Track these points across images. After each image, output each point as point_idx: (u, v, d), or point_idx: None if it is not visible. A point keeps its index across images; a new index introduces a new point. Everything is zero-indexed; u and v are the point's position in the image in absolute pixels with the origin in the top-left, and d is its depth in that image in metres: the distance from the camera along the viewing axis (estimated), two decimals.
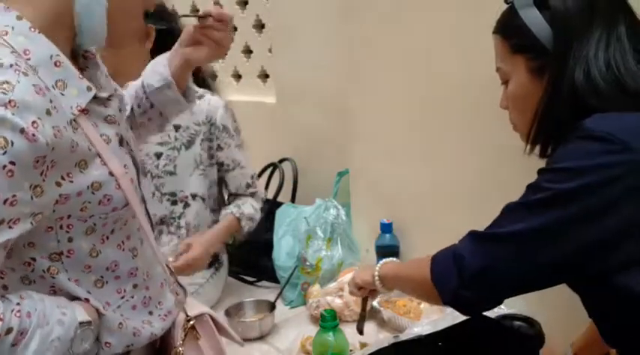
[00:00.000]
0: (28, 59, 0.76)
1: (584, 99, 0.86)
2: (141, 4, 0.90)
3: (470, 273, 0.88)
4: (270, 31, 2.31)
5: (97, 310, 0.86)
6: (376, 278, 1.19)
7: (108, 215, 0.84)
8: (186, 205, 1.66)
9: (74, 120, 0.79)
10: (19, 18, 0.77)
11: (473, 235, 0.92)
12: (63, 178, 0.77)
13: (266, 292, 1.81)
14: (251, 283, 1.91)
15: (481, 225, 0.95)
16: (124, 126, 0.95)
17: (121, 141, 0.90)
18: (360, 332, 1.36)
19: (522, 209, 0.86)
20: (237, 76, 2.56)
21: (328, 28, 1.95)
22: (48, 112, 0.74)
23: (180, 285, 1.06)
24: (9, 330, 0.71)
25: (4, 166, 0.69)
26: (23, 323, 0.73)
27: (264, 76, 2.43)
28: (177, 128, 1.63)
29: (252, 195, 1.76)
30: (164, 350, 1.01)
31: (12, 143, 0.70)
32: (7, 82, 0.72)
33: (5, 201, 0.70)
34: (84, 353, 0.83)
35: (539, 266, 0.84)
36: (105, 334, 0.87)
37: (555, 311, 1.20)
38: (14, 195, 0.71)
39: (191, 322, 1.02)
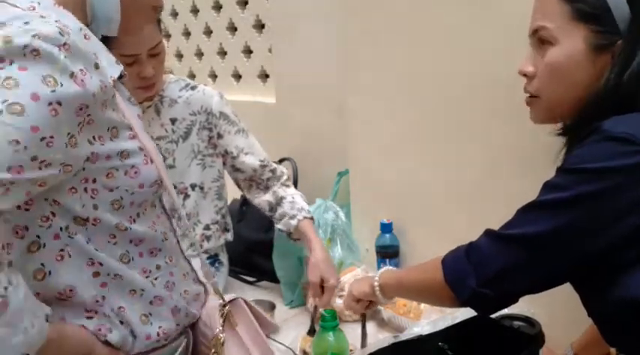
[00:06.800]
0: None
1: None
2: None
3: (489, 272, 0.87)
4: (270, 31, 2.31)
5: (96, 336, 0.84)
6: (376, 288, 1.17)
7: (134, 191, 0.83)
8: (186, 196, 1.66)
9: (112, 86, 0.81)
10: None
11: (490, 235, 0.91)
12: (95, 138, 0.78)
13: (266, 292, 1.81)
14: (251, 283, 1.90)
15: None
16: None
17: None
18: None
19: (539, 210, 0.84)
20: (237, 76, 2.56)
21: (328, 29, 1.95)
22: (96, 66, 0.76)
23: (202, 282, 1.04)
24: None
25: (50, 103, 0.70)
26: None
27: (264, 76, 2.43)
28: (173, 121, 1.62)
29: (273, 172, 1.70)
30: (195, 341, 0.99)
31: (61, 84, 0.71)
32: (67, 26, 0.74)
33: (43, 139, 0.70)
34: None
35: (555, 267, 0.84)
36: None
37: (555, 311, 1.20)
38: (52, 137, 0.71)
39: (227, 307, 1.00)
